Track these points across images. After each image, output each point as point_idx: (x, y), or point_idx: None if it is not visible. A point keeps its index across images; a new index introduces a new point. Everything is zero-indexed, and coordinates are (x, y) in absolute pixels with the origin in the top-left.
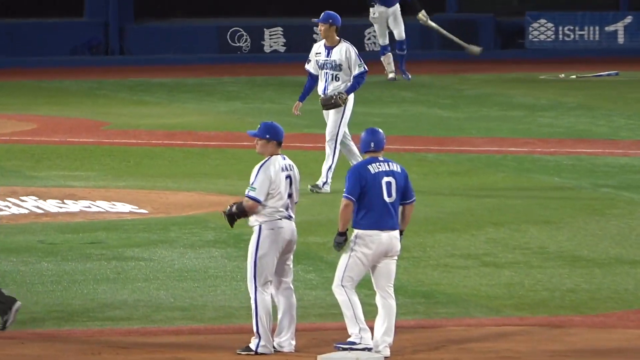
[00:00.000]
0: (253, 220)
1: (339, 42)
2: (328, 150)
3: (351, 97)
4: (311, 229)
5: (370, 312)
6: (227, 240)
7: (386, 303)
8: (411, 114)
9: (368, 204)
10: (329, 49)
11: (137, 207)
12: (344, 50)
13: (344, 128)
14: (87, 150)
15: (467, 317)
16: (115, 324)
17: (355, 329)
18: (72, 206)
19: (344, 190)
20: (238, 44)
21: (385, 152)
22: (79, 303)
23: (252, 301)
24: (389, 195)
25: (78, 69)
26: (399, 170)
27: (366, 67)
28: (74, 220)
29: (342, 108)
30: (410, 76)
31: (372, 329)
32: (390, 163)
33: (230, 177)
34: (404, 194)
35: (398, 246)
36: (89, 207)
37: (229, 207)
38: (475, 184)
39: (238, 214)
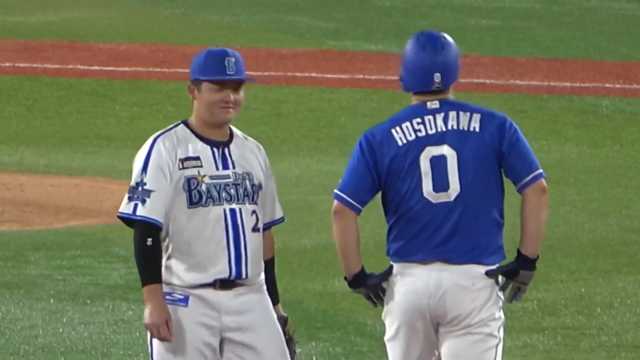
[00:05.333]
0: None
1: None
2: None
3: None
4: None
5: None
6: None
7: None
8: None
9: (395, 210)
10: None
11: None
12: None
13: None
14: None
15: None
16: None
17: None
18: None
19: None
20: None
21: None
22: None
23: None
24: (440, 185)
25: None
26: (473, 125)
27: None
28: None
29: None
30: None
31: None
32: (450, 112)
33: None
34: (510, 170)
35: (467, 301)
36: None
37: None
38: None
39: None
